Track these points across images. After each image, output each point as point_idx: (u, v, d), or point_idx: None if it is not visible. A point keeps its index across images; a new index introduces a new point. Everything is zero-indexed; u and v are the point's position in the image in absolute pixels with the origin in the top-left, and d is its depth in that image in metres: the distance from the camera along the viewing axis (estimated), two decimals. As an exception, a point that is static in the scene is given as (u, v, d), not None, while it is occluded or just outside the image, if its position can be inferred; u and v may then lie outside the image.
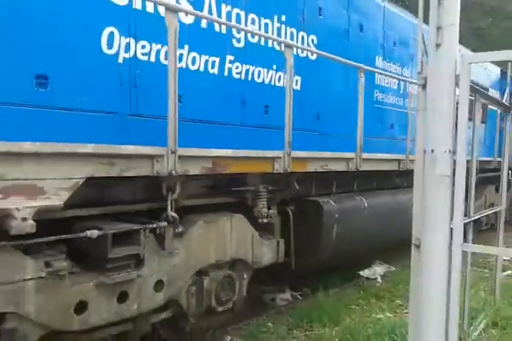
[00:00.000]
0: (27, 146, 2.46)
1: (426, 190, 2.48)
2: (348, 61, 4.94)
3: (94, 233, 2.87)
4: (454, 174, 2.43)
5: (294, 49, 4.21)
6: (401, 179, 6.54)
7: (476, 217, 3.42)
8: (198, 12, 3.56)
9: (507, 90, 9.07)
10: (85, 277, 3.01)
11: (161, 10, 3.28)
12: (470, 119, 2.69)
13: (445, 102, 2.41)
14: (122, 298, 3.19)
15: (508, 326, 4.32)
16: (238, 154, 3.77)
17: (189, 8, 3.54)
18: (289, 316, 4.85)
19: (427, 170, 2.47)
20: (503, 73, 11.42)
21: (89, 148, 2.75)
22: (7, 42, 2.56)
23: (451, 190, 2.43)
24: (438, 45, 2.41)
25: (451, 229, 2.45)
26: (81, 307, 2.96)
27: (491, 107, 9.05)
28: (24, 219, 2.47)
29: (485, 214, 4.06)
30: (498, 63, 11.38)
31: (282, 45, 4.14)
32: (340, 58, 4.80)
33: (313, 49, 4.78)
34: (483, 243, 5.42)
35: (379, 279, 6.17)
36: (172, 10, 3.10)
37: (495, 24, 20.62)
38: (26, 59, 2.64)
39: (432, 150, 2.44)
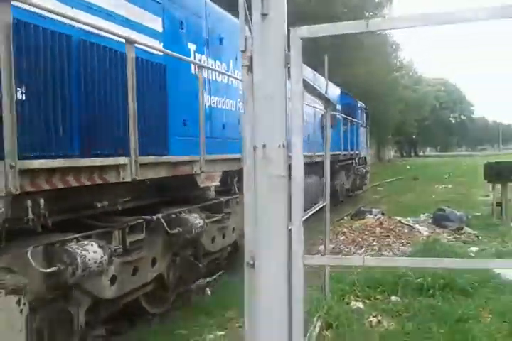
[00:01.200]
0: (216, 156, 5.15)
1: (259, 195, 2.11)
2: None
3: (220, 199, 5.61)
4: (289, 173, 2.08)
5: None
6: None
7: (305, 217, 2.73)
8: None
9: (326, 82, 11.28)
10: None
11: (218, 77, 6.06)
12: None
13: (276, 86, 2.05)
14: (228, 235, 5.96)
15: (341, 325, 4.21)
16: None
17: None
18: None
19: (258, 170, 2.09)
20: (342, 92, 15.23)
21: (228, 156, 5.49)
22: (176, 107, 5.04)
23: (288, 192, 2.10)
24: (264, 15, 2.01)
25: (290, 239, 2.10)
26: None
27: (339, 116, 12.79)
28: (213, 191, 5.14)
29: (311, 212, 3.60)
30: (338, 84, 14.70)
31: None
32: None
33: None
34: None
35: (208, 291, 5.82)
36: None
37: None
38: (180, 112, 5.14)
39: (264, 146, 2.06)
